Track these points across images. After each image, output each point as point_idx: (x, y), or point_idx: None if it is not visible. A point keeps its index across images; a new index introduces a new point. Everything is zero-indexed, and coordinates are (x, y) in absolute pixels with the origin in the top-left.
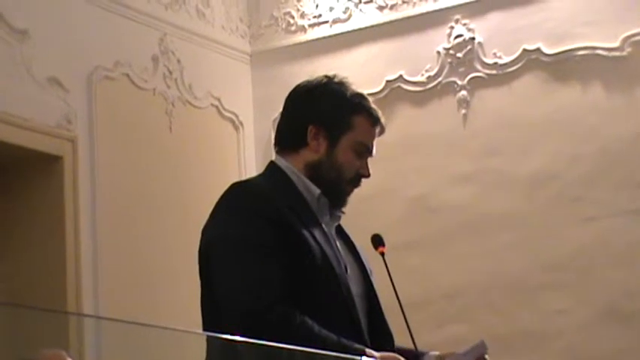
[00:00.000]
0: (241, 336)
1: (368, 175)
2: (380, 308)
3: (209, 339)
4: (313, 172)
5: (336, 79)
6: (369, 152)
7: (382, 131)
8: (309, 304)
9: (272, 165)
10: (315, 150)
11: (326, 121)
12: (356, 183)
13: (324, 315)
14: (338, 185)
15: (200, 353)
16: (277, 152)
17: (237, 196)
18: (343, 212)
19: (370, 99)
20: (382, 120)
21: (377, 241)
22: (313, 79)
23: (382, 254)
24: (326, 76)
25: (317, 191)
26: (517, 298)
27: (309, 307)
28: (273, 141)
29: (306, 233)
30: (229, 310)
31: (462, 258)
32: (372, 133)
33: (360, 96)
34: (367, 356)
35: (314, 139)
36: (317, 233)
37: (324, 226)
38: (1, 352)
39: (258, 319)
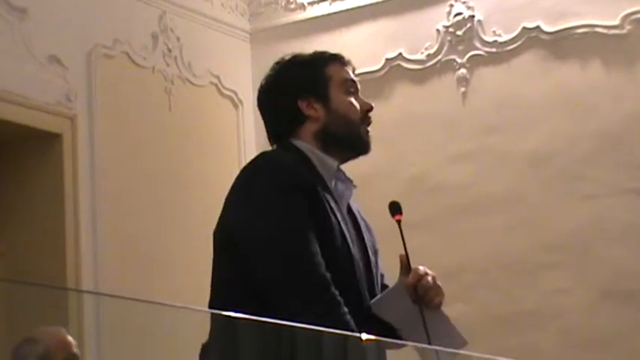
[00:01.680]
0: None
1: (371, 106)
2: (374, 286)
3: (212, 316)
4: (325, 137)
5: (290, 56)
6: (357, 88)
7: (351, 66)
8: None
9: (289, 143)
10: (315, 118)
11: (307, 87)
12: (367, 120)
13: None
14: (355, 131)
15: (199, 330)
16: (281, 143)
17: (272, 168)
18: (354, 186)
19: (369, 77)
20: (345, 56)
21: (394, 209)
22: (268, 73)
23: (399, 222)
24: (279, 60)
25: (335, 163)
26: (516, 277)
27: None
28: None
29: (329, 210)
30: (283, 293)
31: (462, 237)
32: (348, 72)
33: (319, 52)
34: None
35: (309, 108)
36: (337, 211)
37: (339, 204)
38: (0, 328)
39: (314, 303)
